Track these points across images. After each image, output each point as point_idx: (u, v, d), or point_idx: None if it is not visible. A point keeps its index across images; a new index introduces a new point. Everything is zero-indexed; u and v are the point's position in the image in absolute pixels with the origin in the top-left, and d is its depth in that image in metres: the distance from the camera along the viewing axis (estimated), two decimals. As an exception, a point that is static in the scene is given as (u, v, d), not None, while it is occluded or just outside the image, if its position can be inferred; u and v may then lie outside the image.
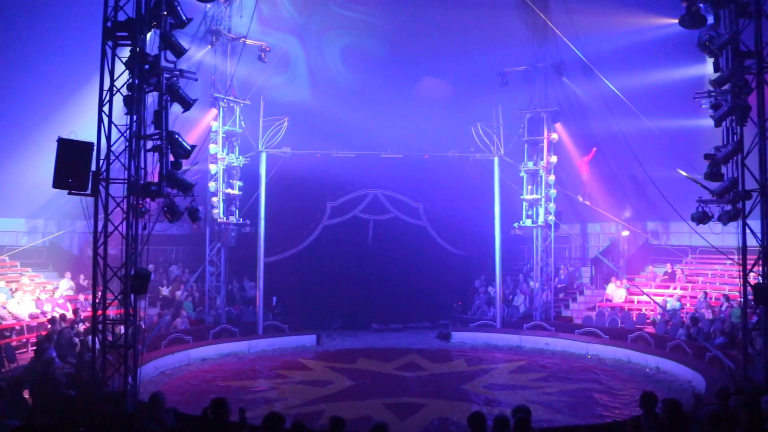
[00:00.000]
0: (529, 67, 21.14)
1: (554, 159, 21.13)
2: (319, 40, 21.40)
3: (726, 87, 12.01)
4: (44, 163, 11.84)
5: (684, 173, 14.19)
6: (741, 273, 12.17)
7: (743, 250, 11.96)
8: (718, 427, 6.21)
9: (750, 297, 11.87)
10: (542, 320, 21.00)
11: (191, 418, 8.80)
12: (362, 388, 15.07)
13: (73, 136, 10.56)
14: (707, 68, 13.96)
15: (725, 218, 12.14)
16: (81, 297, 18.12)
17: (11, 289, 17.24)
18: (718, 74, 12.15)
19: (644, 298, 20.13)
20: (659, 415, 7.06)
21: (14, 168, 17.20)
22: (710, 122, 12.49)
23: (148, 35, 11.27)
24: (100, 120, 10.87)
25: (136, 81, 10.93)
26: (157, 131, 11.23)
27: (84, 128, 11.27)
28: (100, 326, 11.00)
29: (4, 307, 16.01)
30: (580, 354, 18.48)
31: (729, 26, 11.84)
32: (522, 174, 21.62)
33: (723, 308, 17.48)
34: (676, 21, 12.79)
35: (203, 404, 12.21)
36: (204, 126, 19.87)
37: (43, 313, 16.61)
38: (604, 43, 17.80)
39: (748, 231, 11.92)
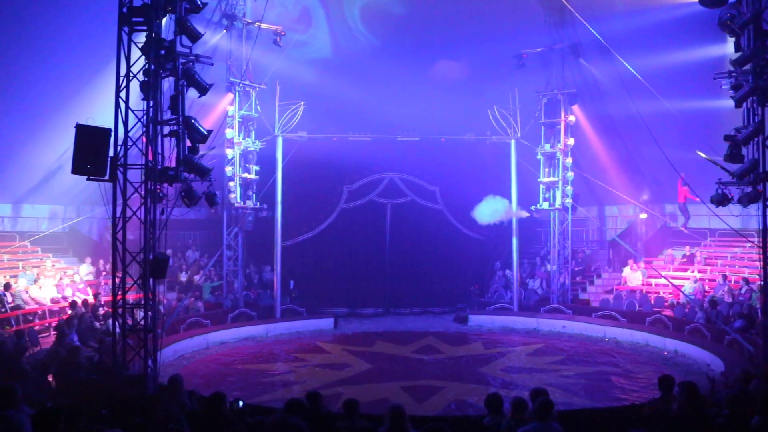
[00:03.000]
0: (545, 49, 20.92)
1: (571, 141, 20.95)
2: (333, 19, 21.26)
3: (747, 67, 11.80)
4: (63, 149, 11.95)
5: (703, 155, 14.01)
6: (761, 256, 12.05)
7: (763, 232, 11.82)
8: (736, 410, 6.18)
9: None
10: (559, 303, 20.96)
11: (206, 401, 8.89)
12: (380, 371, 15.16)
13: (90, 123, 10.64)
14: (728, 48, 13.72)
15: (745, 200, 11.99)
16: (101, 282, 18.33)
17: (33, 275, 17.49)
18: (739, 54, 11.94)
19: (662, 281, 20.01)
20: (677, 397, 7.04)
21: (33, 155, 17.37)
22: (730, 103, 12.30)
23: (164, 20, 11.29)
24: (117, 106, 10.94)
25: (152, 66, 10.97)
26: (174, 116, 11.28)
27: (101, 114, 11.32)
28: (120, 310, 11.14)
29: (27, 292, 16.25)
30: (597, 337, 18.44)
31: (751, 4, 11.62)
32: (539, 157, 21.47)
33: (742, 291, 17.34)
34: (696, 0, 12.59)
35: (222, 388, 12.40)
36: (220, 111, 19.93)
37: (64, 298, 16.83)
38: (622, 24, 17.54)
39: (768, 213, 11.79)
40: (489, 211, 20.70)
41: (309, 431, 6.42)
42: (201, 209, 16.60)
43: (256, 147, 20.04)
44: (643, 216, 23.18)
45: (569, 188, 21.09)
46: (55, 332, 14.36)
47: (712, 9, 12.42)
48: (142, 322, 11.16)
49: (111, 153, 10.72)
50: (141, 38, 11.08)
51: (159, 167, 11.17)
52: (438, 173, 22.35)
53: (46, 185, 19.04)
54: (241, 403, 7.61)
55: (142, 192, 11.06)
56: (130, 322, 11.29)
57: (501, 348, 17.66)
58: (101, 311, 15.76)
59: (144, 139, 11.10)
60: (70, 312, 15.21)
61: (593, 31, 17.02)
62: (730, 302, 16.88)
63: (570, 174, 21.05)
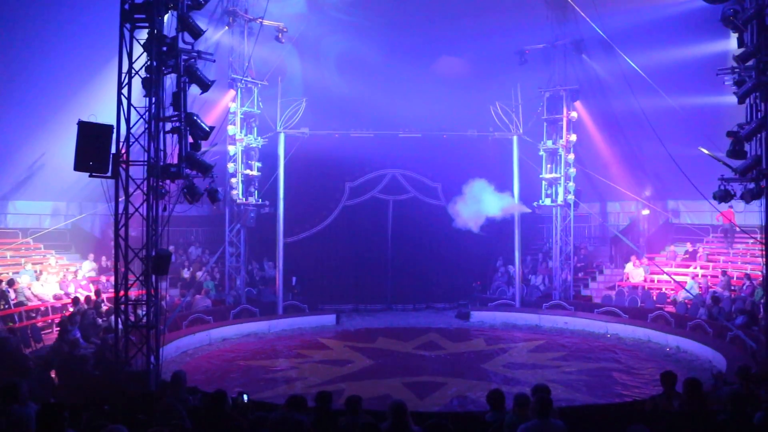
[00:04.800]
0: (548, 45, 20.88)
1: (573, 137, 20.91)
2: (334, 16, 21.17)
3: (750, 63, 11.78)
4: (65, 146, 11.95)
5: (706, 151, 14.00)
6: (763, 252, 12.04)
7: (766, 228, 11.81)
8: (738, 406, 6.18)
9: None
10: (561, 299, 20.95)
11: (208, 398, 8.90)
12: (381, 367, 15.18)
13: (92, 119, 10.64)
14: (731, 44, 13.71)
15: (748, 197, 11.98)
16: (103, 278, 18.36)
17: (36, 271, 17.53)
18: (742, 50, 11.92)
19: (664, 277, 20.00)
20: (679, 394, 7.05)
21: (36, 152, 17.38)
22: (733, 99, 12.28)
23: (166, 17, 11.28)
24: (120, 102, 10.94)
25: (154, 63, 10.96)
26: (176, 113, 11.28)
27: (103, 111, 11.34)
28: (122, 307, 11.15)
29: (29, 289, 16.28)
30: (599, 333, 18.44)
31: (755, 0, 11.60)
32: (541, 153, 21.46)
33: (744, 287, 17.33)
34: (699, -5, 12.56)
35: (225, 384, 12.44)
36: (222, 107, 19.93)
37: (67, 295, 16.86)
38: (625, 20, 17.48)
39: (771, 209, 11.76)
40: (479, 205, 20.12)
41: (311, 428, 6.43)
42: (203, 206, 16.62)
43: (258, 143, 20.05)
44: (646, 212, 23.16)
45: (571, 184, 21.08)
46: (57, 329, 14.39)
47: (715, 5, 12.40)
48: (144, 319, 11.18)
49: (113, 150, 10.74)
50: (143, 35, 11.09)
51: (161, 164, 11.18)
52: (440, 169, 22.30)
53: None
54: (245, 398, 7.62)
55: (145, 188, 11.07)
56: (132, 318, 11.30)
57: (503, 344, 17.66)
58: (104, 308, 15.79)
59: (146, 136, 11.09)
60: (72, 308, 15.25)
61: (596, 27, 16.99)
62: (733, 298, 16.86)
63: (572, 170, 21.03)
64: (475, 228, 20.11)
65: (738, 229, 19.34)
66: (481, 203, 19.93)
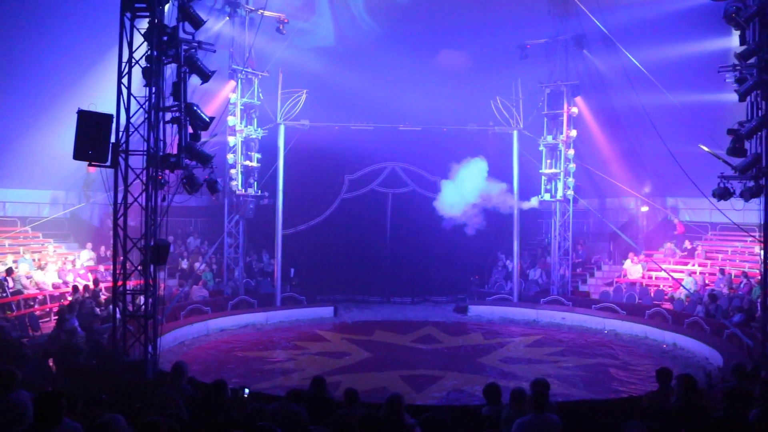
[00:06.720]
0: (549, 40, 20.84)
1: (574, 133, 20.90)
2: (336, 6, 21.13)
3: (752, 60, 11.77)
4: (65, 135, 11.93)
5: (706, 148, 13.99)
6: (762, 250, 12.04)
7: (765, 227, 11.82)
8: (733, 404, 6.19)
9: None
10: (559, 295, 20.98)
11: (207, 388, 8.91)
12: (379, 360, 15.21)
13: (92, 109, 10.62)
14: (733, 41, 13.68)
15: (747, 195, 11.99)
16: (101, 268, 18.36)
17: (34, 260, 17.52)
18: (744, 47, 11.90)
19: (662, 274, 20.02)
20: (674, 390, 7.05)
21: (35, 140, 17.35)
22: (734, 97, 12.27)
23: (166, 7, 11.26)
24: (120, 92, 10.93)
25: (155, 53, 10.94)
26: (176, 103, 11.28)
27: (103, 100, 11.32)
28: (120, 296, 11.16)
29: (29, 277, 16.27)
30: (596, 329, 18.46)
31: (757, -2, 11.58)
32: (541, 148, 21.43)
33: (742, 285, 17.35)
34: (702, -8, 12.54)
35: (222, 375, 12.45)
36: (222, 98, 19.88)
37: (65, 283, 16.86)
38: (627, 15, 17.48)
39: (770, 208, 11.77)
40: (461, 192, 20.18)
41: (309, 418, 6.44)
42: (202, 196, 16.47)
43: (258, 135, 20.02)
44: (645, 209, 23.15)
45: (571, 180, 21.07)
46: (56, 317, 14.40)
47: (718, 1, 12.37)
48: (142, 309, 11.19)
49: (113, 139, 10.72)
50: (143, 24, 11.06)
51: (161, 154, 11.16)
52: (440, 163, 22.26)
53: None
54: (246, 391, 7.61)
55: (144, 178, 11.06)
56: (130, 308, 11.31)
57: (500, 339, 17.70)
58: (102, 297, 15.79)
59: (146, 126, 11.07)
60: (70, 297, 15.25)
61: (597, 23, 16.97)
62: (730, 296, 16.88)
63: (572, 166, 21.02)
64: (467, 208, 20.06)
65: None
66: (471, 182, 19.92)
